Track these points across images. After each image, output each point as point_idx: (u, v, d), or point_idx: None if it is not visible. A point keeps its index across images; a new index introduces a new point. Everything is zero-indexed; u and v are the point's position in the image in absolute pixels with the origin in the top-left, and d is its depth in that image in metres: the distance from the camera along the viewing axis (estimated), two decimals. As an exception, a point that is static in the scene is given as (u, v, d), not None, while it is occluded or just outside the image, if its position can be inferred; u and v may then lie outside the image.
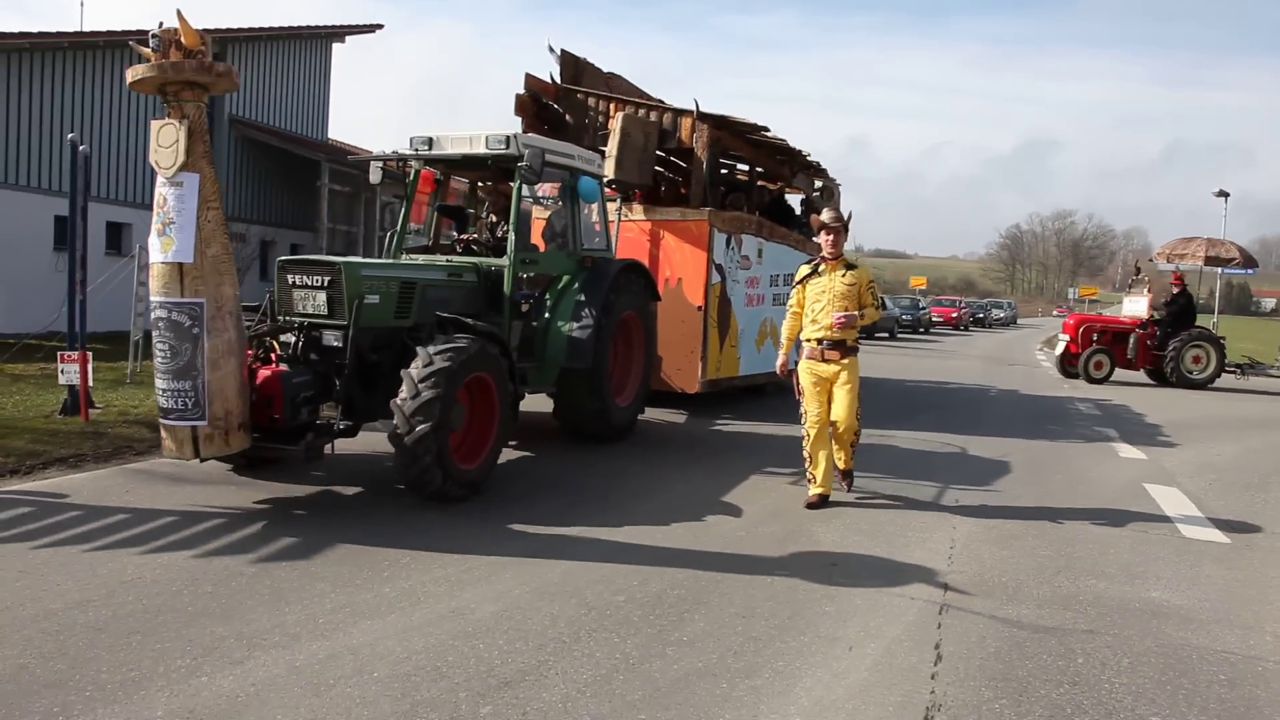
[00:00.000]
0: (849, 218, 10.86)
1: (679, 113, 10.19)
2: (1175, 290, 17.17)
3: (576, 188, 7.83)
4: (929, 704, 3.31)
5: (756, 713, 3.18)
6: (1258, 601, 4.69)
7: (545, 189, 11.43)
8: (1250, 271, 22.96)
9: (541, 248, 8.16)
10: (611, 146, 9.76)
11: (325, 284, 5.92)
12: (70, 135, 8.29)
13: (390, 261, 7.14)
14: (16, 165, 15.93)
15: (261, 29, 21.50)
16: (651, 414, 10.05)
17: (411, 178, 7.80)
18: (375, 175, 7.78)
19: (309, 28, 23.40)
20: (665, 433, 9.10)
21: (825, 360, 6.21)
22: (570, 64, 10.96)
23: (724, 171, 12.96)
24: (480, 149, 7.33)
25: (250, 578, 4.35)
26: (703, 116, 10.02)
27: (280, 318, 6.10)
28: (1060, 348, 17.96)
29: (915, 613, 4.25)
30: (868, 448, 7.81)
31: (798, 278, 6.37)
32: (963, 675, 3.57)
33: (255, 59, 21.57)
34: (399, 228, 7.88)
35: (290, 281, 6.05)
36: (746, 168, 12.58)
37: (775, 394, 11.83)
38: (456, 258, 7.58)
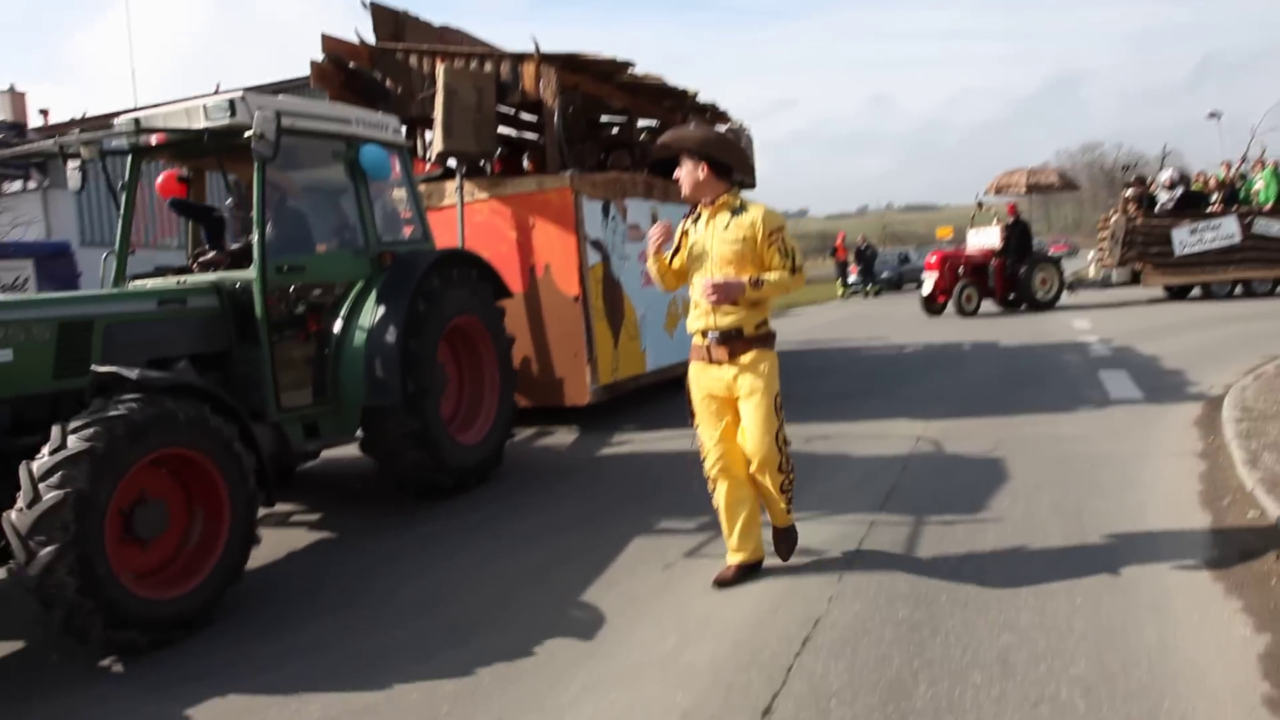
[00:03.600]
0: (742, 141, 8.86)
1: (518, 59, 8.10)
2: (1010, 220, 17.63)
3: (357, 162, 5.74)
4: None
5: None
6: (1136, 428, 6.64)
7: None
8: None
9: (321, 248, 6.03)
10: (437, 110, 7.70)
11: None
12: None
13: (38, 297, 5.04)
14: None
15: None
16: (532, 436, 8.02)
17: (128, 175, 5.70)
18: (74, 180, 5.62)
19: None
20: (537, 465, 7.03)
21: (714, 361, 4.07)
22: (387, 20, 8.83)
23: (614, 131, 10.92)
24: (200, 122, 5.24)
25: None
26: (546, 58, 7.95)
27: None
28: (926, 286, 17.77)
29: None
30: (813, 462, 5.49)
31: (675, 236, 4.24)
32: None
33: None
34: (118, 244, 5.76)
35: None
36: (655, 124, 10.57)
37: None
38: (190, 277, 5.50)
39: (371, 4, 8.67)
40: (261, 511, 4.58)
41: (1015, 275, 17.09)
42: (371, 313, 5.56)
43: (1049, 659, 3.15)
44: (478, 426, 6.34)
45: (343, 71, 8.30)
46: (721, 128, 10.84)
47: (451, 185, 8.05)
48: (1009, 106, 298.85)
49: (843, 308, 24.47)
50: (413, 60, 8.41)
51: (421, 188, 8.46)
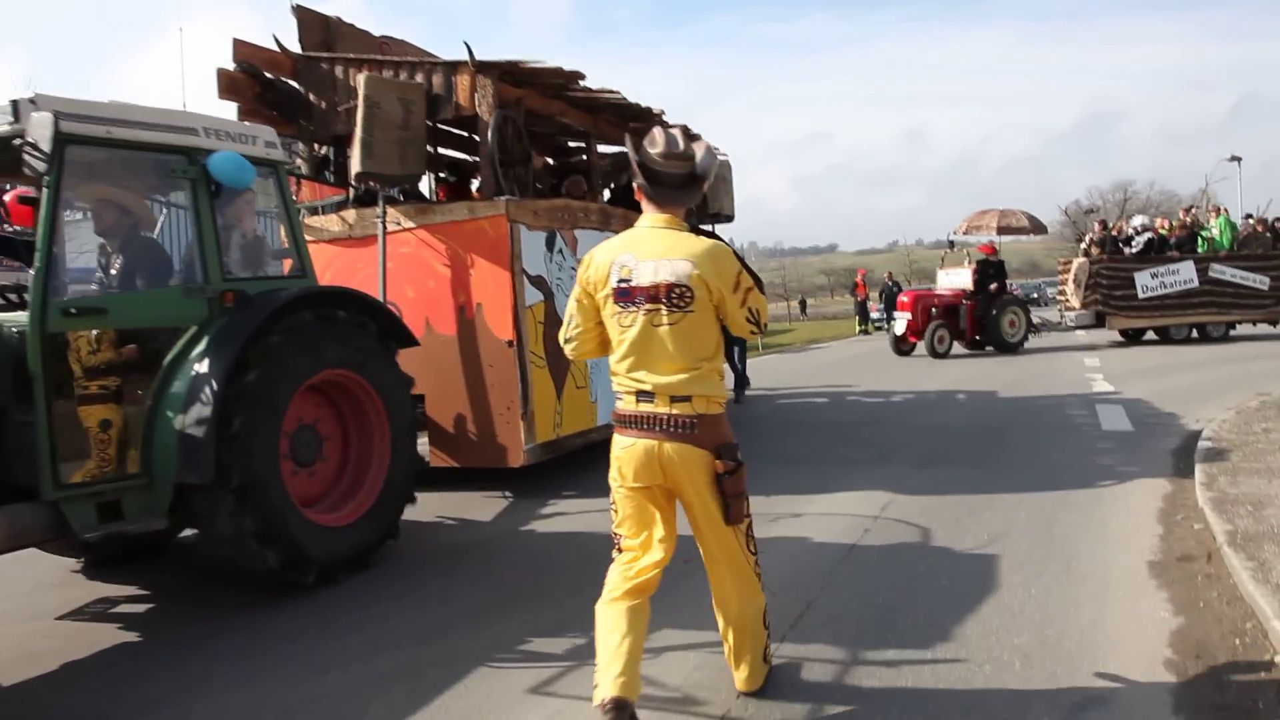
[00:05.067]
0: (704, 163, 7.91)
1: (452, 68, 7.11)
2: (986, 259, 17.41)
3: (205, 174, 4.72)
4: None
5: None
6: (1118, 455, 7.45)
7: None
8: (1038, 238, 24.49)
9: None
10: (357, 126, 6.71)
11: None
12: None
13: None
14: None
15: None
16: (452, 499, 6.90)
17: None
18: None
19: None
20: (436, 549, 5.85)
21: (646, 430, 3.10)
22: (316, 26, 7.89)
23: (573, 155, 9.94)
24: (-7, 128, 4.28)
25: None
26: (482, 67, 6.94)
27: None
28: (899, 325, 17.26)
29: None
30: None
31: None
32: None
33: None
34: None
35: None
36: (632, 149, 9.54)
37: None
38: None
39: (297, 7, 7.73)
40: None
41: (985, 317, 16.90)
42: (192, 367, 4.51)
43: (999, 633, 3.82)
44: (355, 504, 5.24)
45: (257, 83, 7.35)
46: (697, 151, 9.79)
47: (374, 213, 7.05)
48: (1042, 143, 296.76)
49: (856, 344, 23.40)
50: (338, 71, 7.45)
51: (335, 216, 7.50)
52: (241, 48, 7.27)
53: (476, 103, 6.95)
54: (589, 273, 3.22)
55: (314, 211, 7.58)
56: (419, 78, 7.16)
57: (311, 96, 7.54)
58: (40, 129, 3.98)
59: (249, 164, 4.82)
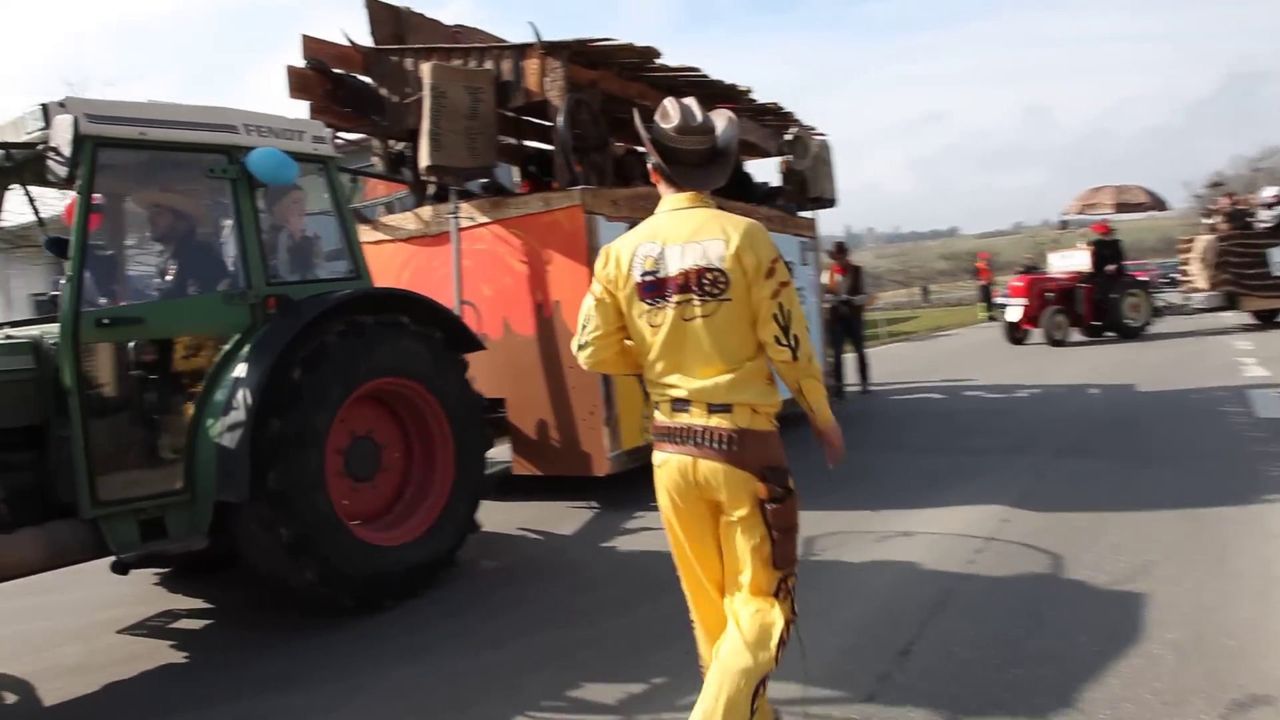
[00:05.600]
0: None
1: (520, 52, 6.69)
2: (1101, 239, 16.26)
3: (245, 173, 4.42)
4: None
5: None
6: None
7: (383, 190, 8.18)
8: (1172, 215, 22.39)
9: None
10: (423, 118, 6.37)
11: None
12: None
13: None
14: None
15: None
16: (537, 510, 6.48)
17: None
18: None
19: None
20: (511, 566, 5.42)
21: (680, 443, 2.59)
22: (387, 19, 7.61)
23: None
24: (22, 135, 4.10)
25: None
26: (551, 48, 6.49)
27: None
28: (1013, 313, 16.18)
29: None
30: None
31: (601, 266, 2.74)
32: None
33: None
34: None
35: None
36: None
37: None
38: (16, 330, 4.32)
39: (368, 1, 7.48)
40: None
41: (1104, 301, 15.72)
42: (231, 377, 4.21)
43: (1150, 627, 3.60)
44: (413, 523, 4.85)
45: (328, 79, 7.10)
46: (789, 135, 9.16)
47: (448, 209, 6.70)
48: (1179, 112, 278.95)
49: (980, 331, 22.06)
50: (408, 63, 7.14)
51: (411, 214, 7.20)
52: (311, 44, 7.05)
53: (546, 87, 6.50)
54: (608, 268, 2.70)
55: (379, 210, 7.30)
56: (488, 64, 6.77)
57: (383, 91, 7.26)
58: (61, 132, 3.75)
59: (290, 160, 4.49)
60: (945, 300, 40.41)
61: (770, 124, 8.97)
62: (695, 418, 2.57)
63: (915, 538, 5.05)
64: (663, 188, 2.74)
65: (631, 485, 6.80)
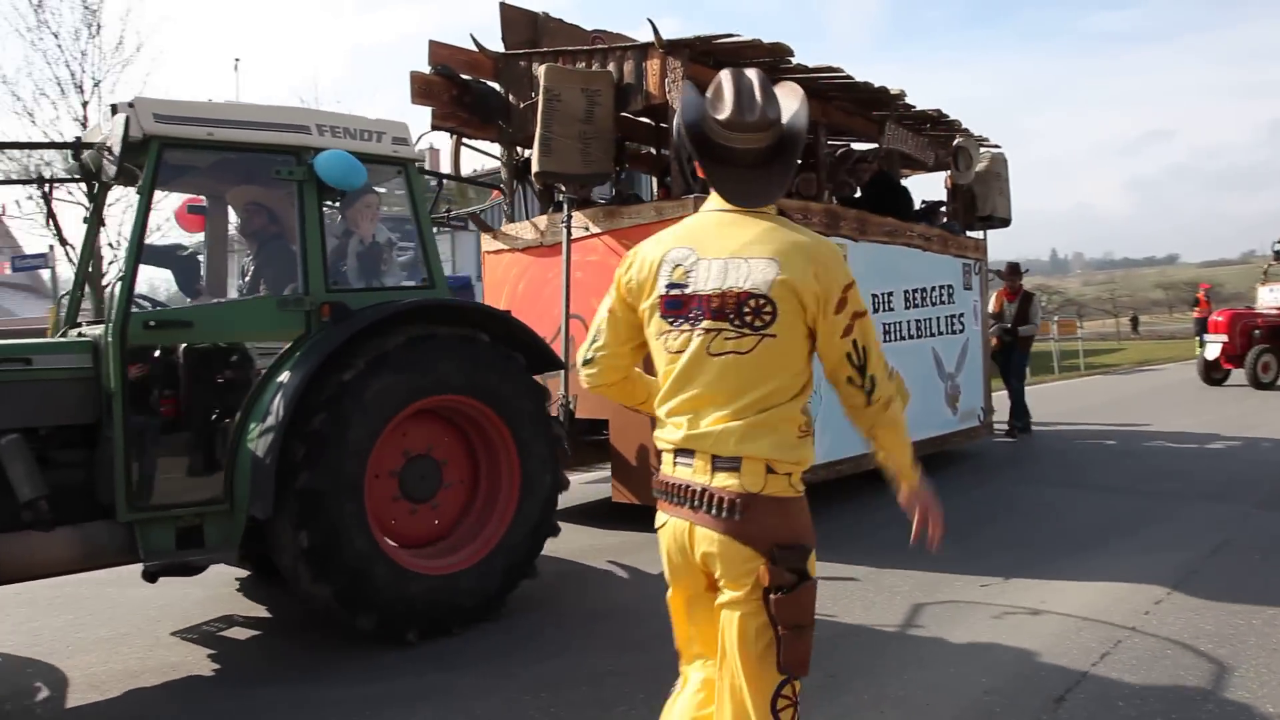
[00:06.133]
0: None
1: (643, 52, 6.27)
2: None
3: (313, 175, 4.24)
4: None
5: None
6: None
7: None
8: None
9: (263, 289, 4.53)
10: (537, 122, 6.09)
11: None
12: None
13: None
14: None
15: None
16: (631, 542, 6.00)
17: (92, 205, 4.63)
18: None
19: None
20: (577, 600, 4.99)
21: (678, 504, 2.07)
22: (522, 24, 7.42)
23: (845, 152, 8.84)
24: (99, 137, 4.11)
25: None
26: (672, 47, 6.04)
27: None
28: (1212, 350, 14.68)
29: None
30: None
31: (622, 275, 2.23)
32: None
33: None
34: (73, 285, 4.76)
35: None
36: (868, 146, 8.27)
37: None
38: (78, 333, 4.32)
39: (502, 4, 7.32)
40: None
41: None
42: (275, 385, 4.01)
43: None
44: (466, 553, 4.50)
45: (454, 85, 6.97)
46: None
47: (562, 218, 6.39)
48: None
49: (1187, 369, 19.81)
50: (535, 68, 6.89)
51: (528, 224, 6.94)
52: (438, 50, 6.93)
53: (667, 89, 6.06)
54: (630, 272, 2.20)
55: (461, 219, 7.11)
56: (610, 66, 6.41)
57: (511, 97, 7.06)
58: (115, 131, 3.68)
59: (358, 163, 4.27)
60: (1155, 332, 36.97)
61: (930, 134, 8.13)
62: (696, 473, 2.04)
63: (1043, 617, 4.23)
64: (714, 189, 2.18)
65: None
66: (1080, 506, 6.57)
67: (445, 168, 7.91)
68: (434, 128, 6.97)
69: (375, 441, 4.17)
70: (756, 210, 2.10)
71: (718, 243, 2.07)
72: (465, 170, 8.54)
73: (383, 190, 5.15)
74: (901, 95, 7.03)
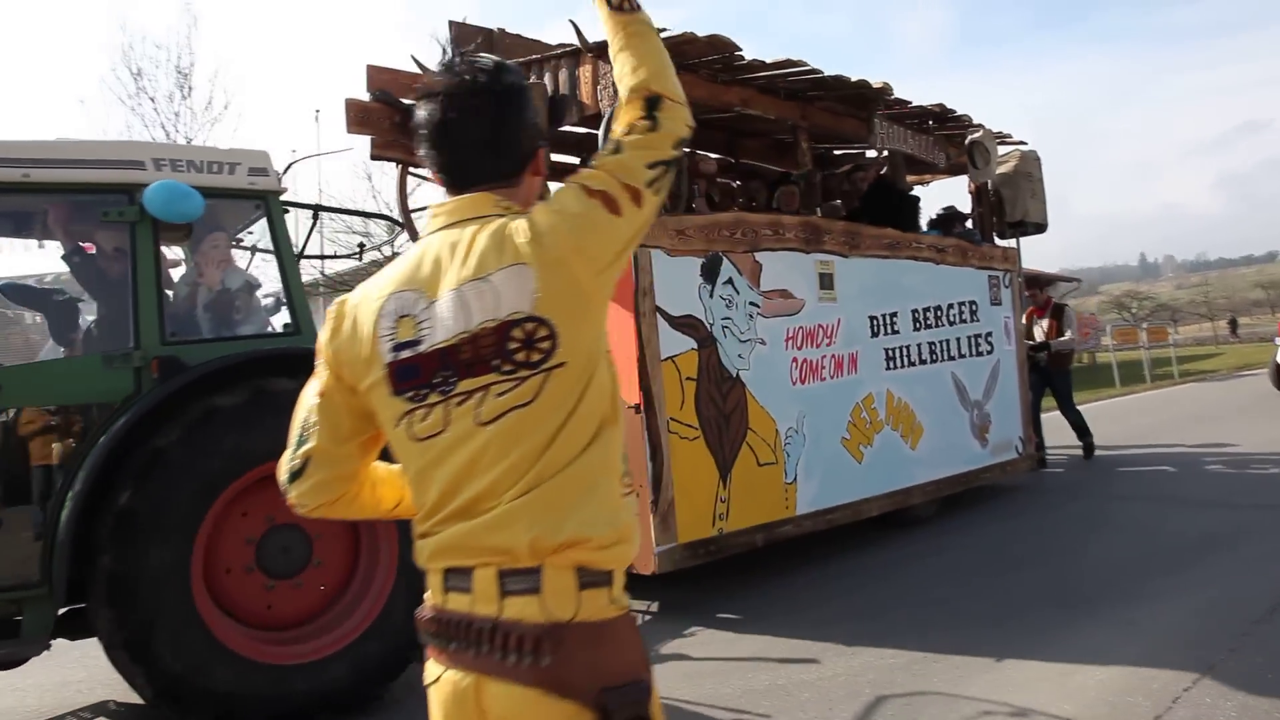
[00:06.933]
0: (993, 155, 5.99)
1: (575, 59, 5.64)
2: None
3: (144, 214, 3.74)
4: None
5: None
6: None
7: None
8: None
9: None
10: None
11: None
12: None
13: None
14: None
15: None
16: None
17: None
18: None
19: None
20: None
21: (456, 650, 1.38)
22: (473, 40, 6.88)
23: (851, 165, 8.06)
24: None
25: None
26: (602, 51, 5.39)
27: None
28: None
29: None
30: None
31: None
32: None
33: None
34: None
35: None
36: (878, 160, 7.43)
37: (903, 527, 6.47)
38: None
39: (452, 22, 6.81)
40: None
41: None
42: (90, 452, 3.49)
43: None
44: (340, 632, 3.87)
45: (397, 111, 6.46)
46: (968, 140, 7.36)
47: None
48: None
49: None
50: (479, 86, 6.32)
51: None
52: (377, 75, 6.45)
53: (599, 97, 5.40)
54: (337, 340, 1.53)
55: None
56: (547, 77, 5.80)
57: (457, 121, 6.51)
58: None
59: (192, 192, 3.74)
60: (1257, 334, 34.47)
61: (937, 132, 7.22)
62: (478, 601, 1.38)
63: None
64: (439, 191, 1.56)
65: (710, 582, 5.49)
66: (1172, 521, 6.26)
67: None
68: (374, 157, 6.50)
69: (205, 516, 3.60)
70: (484, 205, 1.47)
71: (446, 271, 1.43)
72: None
73: (249, 229, 4.61)
74: (887, 89, 6.18)
